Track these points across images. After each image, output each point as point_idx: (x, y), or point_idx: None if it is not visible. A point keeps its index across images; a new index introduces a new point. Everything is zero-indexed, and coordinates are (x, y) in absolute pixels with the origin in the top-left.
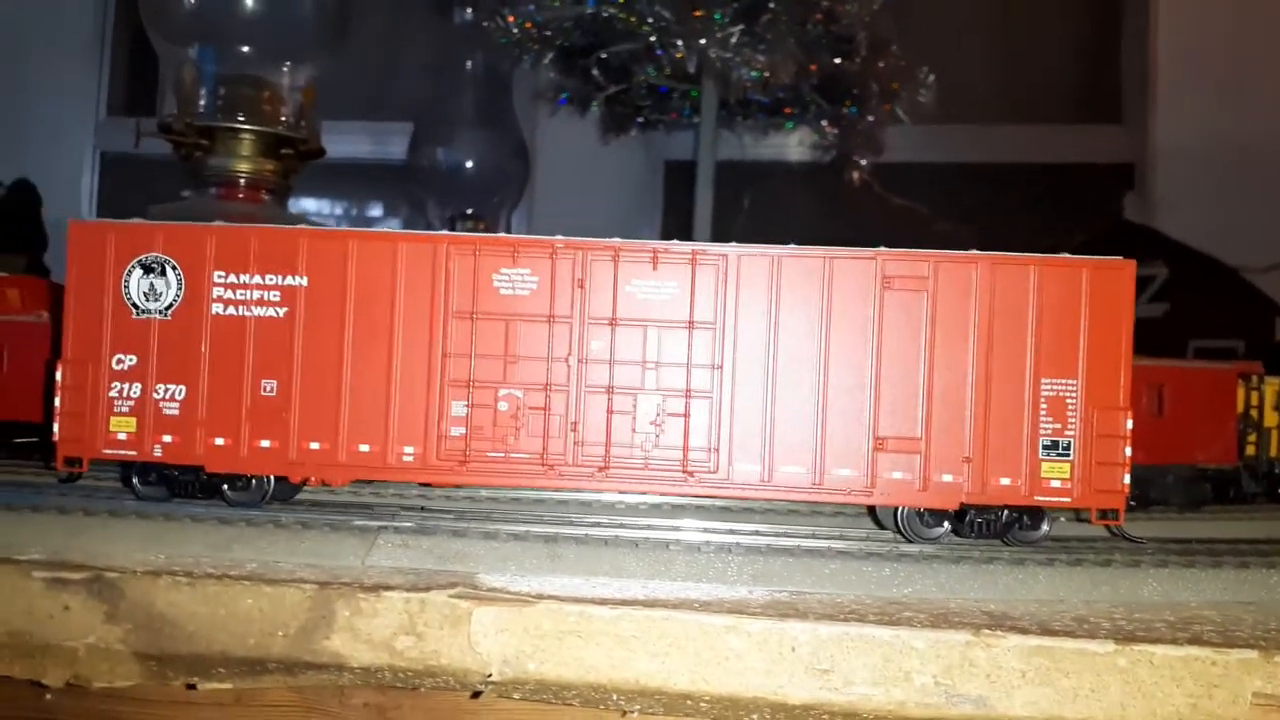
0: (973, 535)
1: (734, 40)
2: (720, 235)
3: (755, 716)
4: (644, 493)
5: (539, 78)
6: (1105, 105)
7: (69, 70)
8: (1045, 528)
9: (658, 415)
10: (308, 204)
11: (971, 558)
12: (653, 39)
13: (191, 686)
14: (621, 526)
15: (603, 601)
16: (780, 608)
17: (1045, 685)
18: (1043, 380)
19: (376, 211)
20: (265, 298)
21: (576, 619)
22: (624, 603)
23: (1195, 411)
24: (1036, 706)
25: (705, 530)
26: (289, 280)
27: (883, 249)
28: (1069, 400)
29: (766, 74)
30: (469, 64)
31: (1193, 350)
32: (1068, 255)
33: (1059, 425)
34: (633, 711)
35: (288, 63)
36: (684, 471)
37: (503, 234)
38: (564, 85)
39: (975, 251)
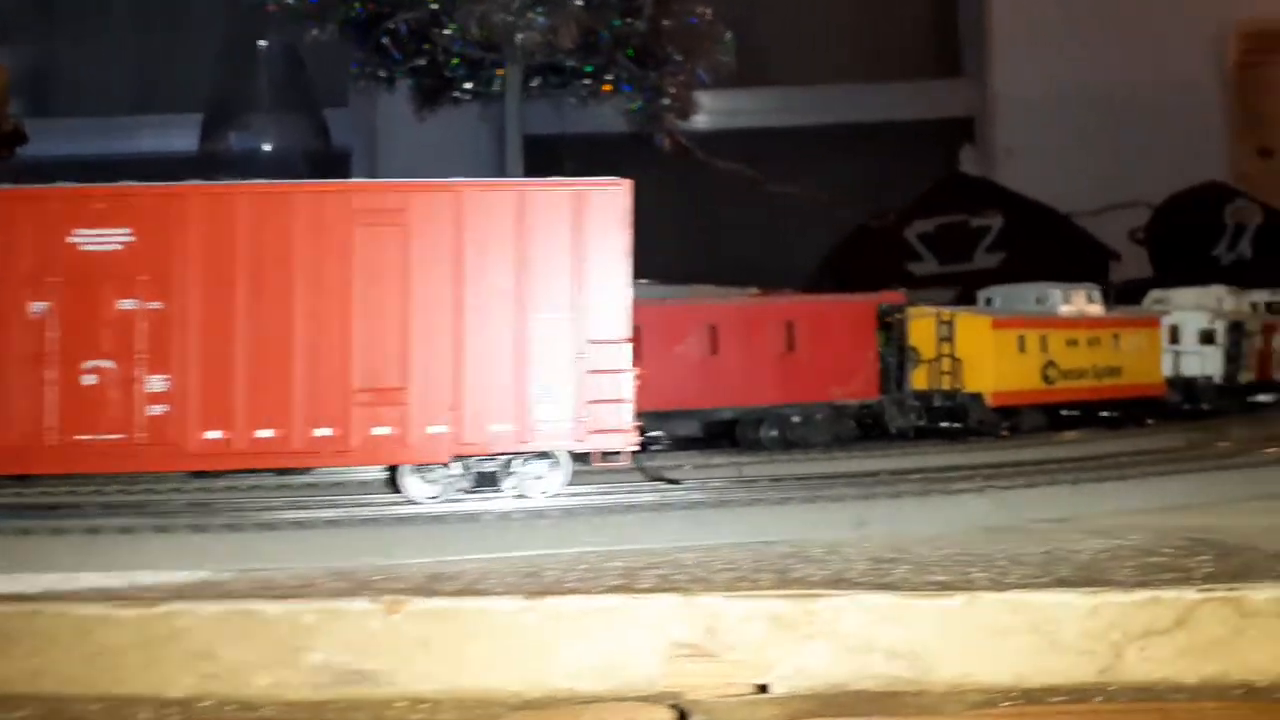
0: (476, 488)
1: (515, 4)
2: None
3: (144, 715)
4: (78, 472)
5: (337, 54)
6: (944, 60)
7: None
8: (560, 476)
9: (104, 381)
10: None
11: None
12: (435, 6)
13: None
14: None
15: None
16: (182, 590)
17: (449, 653)
18: (532, 315)
19: None
20: None
21: None
22: None
23: (830, 347)
24: (436, 679)
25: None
26: None
27: (354, 180)
28: (561, 336)
29: (550, 37)
30: (260, 44)
31: None
32: (557, 179)
33: (545, 363)
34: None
35: None
36: (133, 443)
37: None
38: (362, 60)
39: (454, 179)
